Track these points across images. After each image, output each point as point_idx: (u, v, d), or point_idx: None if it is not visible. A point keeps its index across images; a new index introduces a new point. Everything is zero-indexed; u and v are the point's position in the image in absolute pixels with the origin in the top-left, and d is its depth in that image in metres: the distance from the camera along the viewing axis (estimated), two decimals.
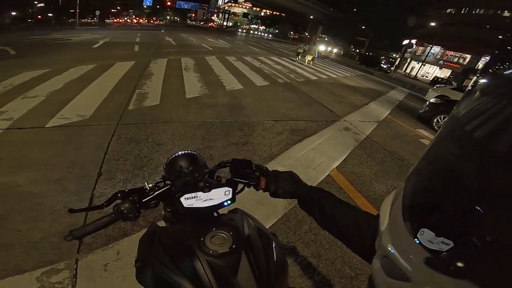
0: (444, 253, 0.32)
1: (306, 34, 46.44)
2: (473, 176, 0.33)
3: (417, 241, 0.34)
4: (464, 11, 35.09)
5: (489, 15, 31.81)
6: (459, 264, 0.31)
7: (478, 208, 0.30)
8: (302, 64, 14.97)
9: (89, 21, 41.40)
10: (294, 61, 15.61)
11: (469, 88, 0.38)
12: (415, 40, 34.98)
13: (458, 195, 0.33)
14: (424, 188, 0.39)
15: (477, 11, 33.51)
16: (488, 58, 30.86)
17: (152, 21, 70.51)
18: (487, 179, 0.32)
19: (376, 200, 3.04)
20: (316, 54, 18.23)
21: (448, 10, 37.26)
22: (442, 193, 0.36)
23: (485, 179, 0.32)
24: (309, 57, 15.44)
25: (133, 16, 75.06)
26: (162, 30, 29.68)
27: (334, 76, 13.10)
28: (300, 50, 15.90)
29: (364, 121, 6.07)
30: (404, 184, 0.42)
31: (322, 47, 39.86)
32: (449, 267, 0.31)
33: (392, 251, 0.37)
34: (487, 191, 0.31)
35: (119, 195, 0.69)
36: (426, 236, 0.33)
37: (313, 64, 15.48)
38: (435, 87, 10.95)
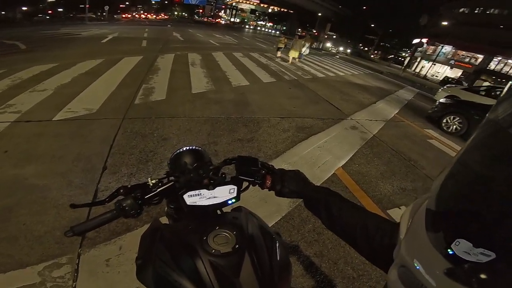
0: (468, 265, 0.30)
1: (314, 31, 45.97)
2: None
3: (451, 252, 0.31)
4: (478, 10, 34.32)
5: (504, 15, 31.02)
6: (482, 276, 0.29)
7: None
8: (285, 62, 12.27)
9: (98, 16, 41.78)
10: (276, 58, 12.86)
11: (507, 91, 0.35)
12: (426, 39, 34.36)
13: (497, 202, 0.31)
14: (456, 196, 0.36)
15: (491, 11, 32.73)
16: (499, 58, 30.20)
17: (158, 17, 70.63)
18: None
19: (382, 200, 2.99)
20: (308, 51, 16.35)
21: (462, 10, 36.47)
22: (479, 200, 0.33)
23: None
24: (293, 54, 12.38)
25: (141, 12, 75.53)
26: (169, 26, 29.80)
27: (342, 74, 12.96)
28: (281, 45, 12.95)
29: (371, 120, 5.98)
30: (430, 194, 0.39)
31: (328, 44, 39.51)
32: (470, 278, 0.29)
33: (418, 267, 0.35)
34: None
35: (121, 191, 0.68)
36: (462, 247, 0.30)
37: (299, 62, 12.95)
38: (445, 87, 10.75)
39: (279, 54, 12.97)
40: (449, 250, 0.31)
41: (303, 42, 13.74)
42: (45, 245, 1.76)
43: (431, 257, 0.33)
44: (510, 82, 0.36)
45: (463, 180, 0.36)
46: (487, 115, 0.35)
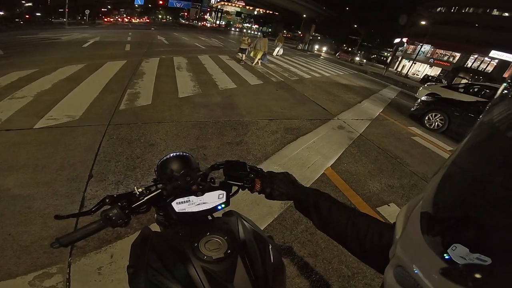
0: (463, 265, 0.30)
1: (299, 32, 46.46)
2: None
3: (447, 257, 0.31)
4: (454, 9, 35.72)
5: (478, 13, 32.44)
6: (477, 275, 0.29)
7: None
8: (250, 65, 10.70)
9: (78, 20, 40.73)
10: (240, 61, 11.16)
11: (500, 93, 0.35)
12: (406, 38, 35.43)
13: (494, 206, 0.30)
14: (453, 200, 0.36)
15: (466, 10, 34.14)
16: (476, 56, 31.51)
17: (140, 20, 69.45)
18: None
19: (371, 198, 3.06)
20: (281, 51, 16.00)
21: (439, 9, 37.87)
22: (476, 206, 0.32)
23: None
24: (257, 54, 10.75)
25: (124, 15, 74.20)
26: (152, 29, 29.42)
27: (327, 74, 13.16)
28: (244, 46, 11.00)
29: (357, 119, 6.10)
30: (424, 194, 0.39)
31: (316, 46, 39.89)
32: (466, 278, 0.29)
33: (416, 271, 0.34)
34: None
35: (107, 200, 0.66)
36: (458, 252, 0.30)
37: (261, 66, 11.06)
38: (426, 85, 11.11)
39: (243, 57, 11.26)
40: (445, 254, 0.31)
41: (277, 41, 13.71)
42: (33, 255, 1.72)
43: (428, 259, 0.33)
44: (504, 84, 0.36)
45: (459, 184, 0.35)
46: (480, 117, 0.35)
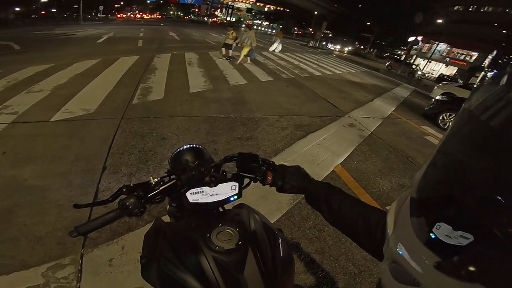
0: (456, 254, 0.31)
1: (311, 30, 45.98)
2: (489, 167, 0.32)
3: (433, 236, 0.32)
4: (472, 8, 34.59)
5: (497, 13, 31.32)
6: (470, 268, 0.30)
7: (499, 198, 0.29)
8: (233, 63, 9.22)
9: (92, 16, 41.45)
10: (220, 57, 9.99)
11: (479, 82, 0.37)
12: (421, 37, 34.55)
13: (474, 186, 0.32)
14: (436, 183, 0.38)
15: (485, 9, 33.02)
16: (494, 54, 30.48)
17: (151, 16, 69.96)
18: (506, 169, 0.30)
19: (381, 197, 3.02)
20: (280, 47, 15.05)
21: (456, 7, 36.74)
22: (457, 186, 0.34)
23: (504, 170, 0.30)
24: (243, 50, 9.47)
25: (137, 11, 75.02)
26: (162, 25, 29.70)
27: (339, 72, 12.99)
28: (230, 41, 9.71)
29: (368, 118, 6.01)
30: (412, 187, 0.40)
31: (329, 45, 38.36)
32: (459, 270, 0.30)
33: (400, 252, 0.36)
34: (506, 181, 0.30)
35: (124, 190, 0.67)
36: (442, 230, 0.31)
37: (249, 62, 9.79)
38: (441, 84, 10.83)
39: (230, 53, 9.96)
40: (431, 234, 0.32)
41: (275, 36, 12.80)
42: (47, 246, 1.75)
43: (415, 245, 0.35)
44: (482, 72, 0.37)
45: (441, 168, 0.37)
46: (462, 105, 0.37)
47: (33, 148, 2.80)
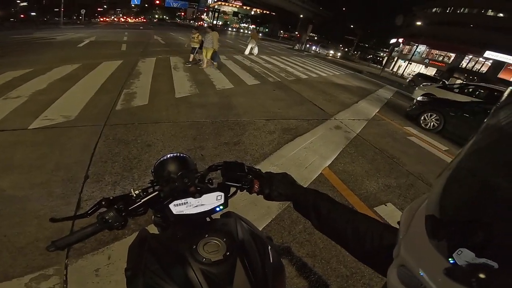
0: (467, 265, 0.29)
1: (296, 33, 46.54)
2: None
3: (452, 261, 0.30)
4: (450, 10, 36.02)
5: (473, 14, 32.74)
6: (481, 276, 0.28)
7: None
8: (199, 68, 8.55)
9: (73, 19, 40.43)
10: (187, 63, 8.89)
11: (507, 95, 0.35)
12: (402, 39, 35.66)
13: (503, 211, 0.29)
14: (460, 204, 0.35)
15: (461, 10, 34.45)
16: (470, 57, 31.82)
17: (135, 20, 68.85)
18: None
19: (368, 198, 3.07)
20: (256, 49, 14.08)
21: (434, 10, 38.17)
22: (483, 210, 0.31)
23: None
24: (207, 54, 8.68)
25: (121, 15, 73.80)
26: (141, 28, 29.36)
27: (324, 74, 13.20)
28: (195, 45, 9.01)
29: (354, 120, 6.13)
30: (429, 195, 0.38)
31: (318, 49, 37.79)
32: (470, 277, 0.29)
33: (421, 274, 0.34)
34: None
35: (103, 203, 0.65)
36: (464, 256, 0.29)
37: (216, 69, 8.88)
38: (421, 85, 11.18)
39: (191, 57, 9.11)
40: (450, 259, 0.30)
41: (250, 37, 12.09)
42: (29, 257, 1.70)
43: (433, 261, 0.33)
44: (510, 87, 0.36)
45: (466, 187, 0.35)
46: (485, 120, 0.34)
47: (10, 157, 2.67)
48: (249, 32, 12.19)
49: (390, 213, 2.86)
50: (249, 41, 14.59)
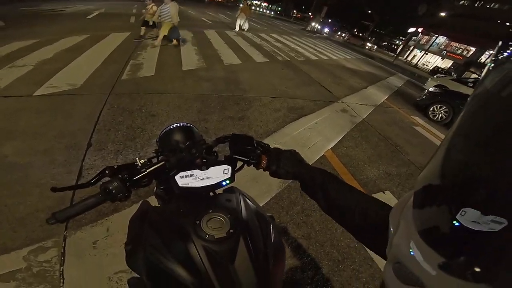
0: (461, 256, 0.29)
1: (310, 14, 44.83)
2: None
3: (457, 224, 0.29)
4: (478, 3, 34.01)
5: (503, 10, 30.87)
6: (476, 269, 0.28)
7: None
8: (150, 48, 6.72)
9: None
10: (140, 40, 7.31)
11: (493, 60, 0.33)
12: (422, 28, 34.14)
13: (503, 166, 0.28)
14: (457, 166, 0.34)
15: (491, 5, 32.49)
16: (491, 52, 30.45)
17: None
18: None
19: (368, 184, 3.05)
20: (246, 25, 12.57)
21: (461, 2, 36.10)
22: (481, 167, 0.30)
23: None
24: (163, 28, 6.92)
25: None
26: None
27: (335, 57, 12.82)
28: (149, 18, 7.48)
29: (361, 104, 6.01)
30: (414, 190, 0.38)
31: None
32: (464, 270, 0.28)
33: (412, 253, 0.34)
34: None
35: (107, 172, 0.62)
36: (469, 216, 0.28)
37: (175, 47, 7.24)
38: (434, 76, 10.83)
39: (143, 31, 7.57)
40: (454, 222, 0.29)
41: (239, 11, 10.89)
42: (29, 228, 1.69)
43: (421, 249, 0.33)
44: (492, 59, 0.34)
45: (462, 150, 0.34)
46: (473, 90, 0.34)
47: (14, 123, 2.68)
48: (241, 5, 10.95)
49: (387, 201, 2.80)
50: (238, 15, 12.83)
